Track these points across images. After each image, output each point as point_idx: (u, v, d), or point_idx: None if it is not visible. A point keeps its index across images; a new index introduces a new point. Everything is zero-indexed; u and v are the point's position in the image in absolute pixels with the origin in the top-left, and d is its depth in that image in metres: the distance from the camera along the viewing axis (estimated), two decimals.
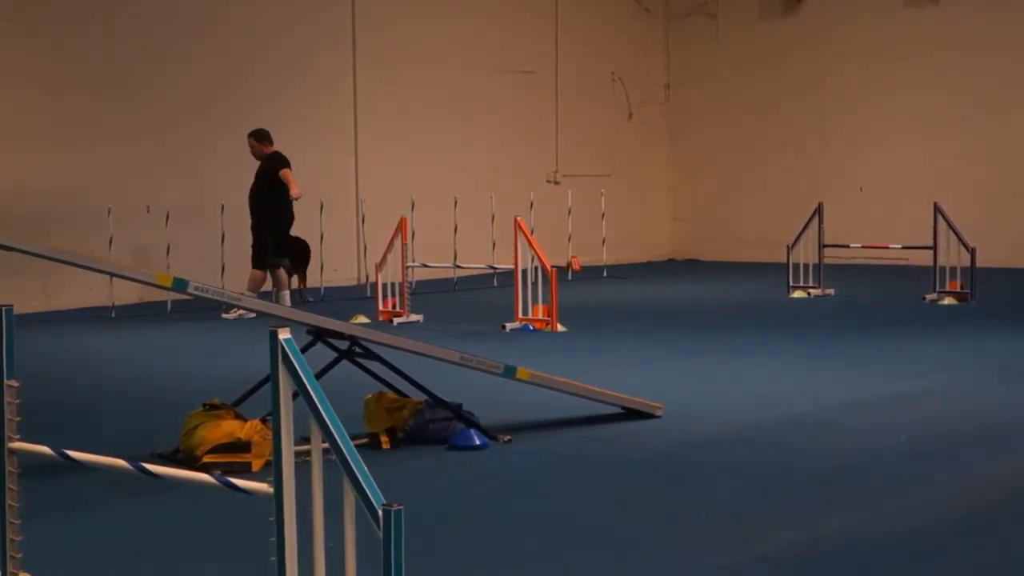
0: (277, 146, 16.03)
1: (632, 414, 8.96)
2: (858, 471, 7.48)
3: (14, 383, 5.07)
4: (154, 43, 17.88)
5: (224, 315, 15.51)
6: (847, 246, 18.57)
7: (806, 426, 8.77)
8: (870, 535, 6.12)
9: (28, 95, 16.83)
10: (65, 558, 5.75)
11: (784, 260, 17.64)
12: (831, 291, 17.40)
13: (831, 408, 9.43)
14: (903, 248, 18.37)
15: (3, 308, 5.06)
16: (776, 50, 23.74)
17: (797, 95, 23.52)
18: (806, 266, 17.51)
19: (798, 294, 17.32)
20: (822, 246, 17.60)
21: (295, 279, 16.95)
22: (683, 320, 15.19)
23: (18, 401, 5.08)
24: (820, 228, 17.58)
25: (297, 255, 16.81)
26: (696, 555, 5.89)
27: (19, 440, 5.10)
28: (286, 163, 15.77)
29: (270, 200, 15.74)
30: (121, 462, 5.00)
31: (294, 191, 15.60)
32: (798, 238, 17.54)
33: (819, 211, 17.65)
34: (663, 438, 8.40)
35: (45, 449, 5.11)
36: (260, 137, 15.95)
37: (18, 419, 5.09)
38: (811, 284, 17.45)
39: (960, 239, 16.36)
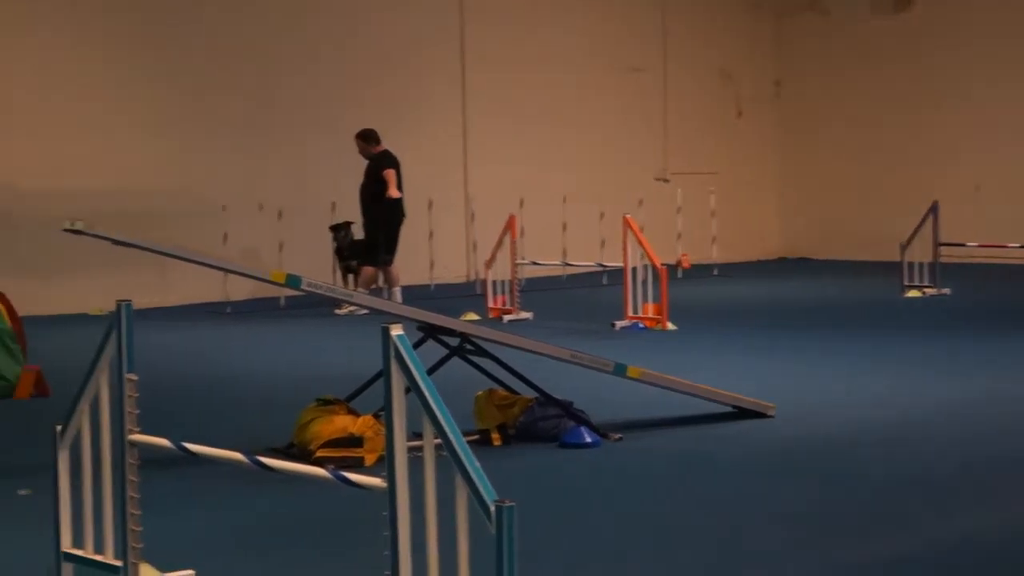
0: (387, 144, 16.12)
1: (744, 413, 8.90)
2: (974, 476, 7.36)
3: (133, 376, 5.15)
4: (265, 44, 18.09)
5: (336, 311, 15.66)
6: (963, 245, 18.26)
7: (921, 428, 8.65)
8: (985, 540, 6.03)
9: (146, 96, 17.12)
10: (183, 549, 5.84)
11: (898, 259, 17.41)
12: (947, 291, 17.11)
13: (946, 410, 9.27)
14: (1022, 247, 18.04)
15: (123, 303, 5.15)
16: (889, 47, 23.40)
17: (910, 92, 23.17)
18: (921, 265, 17.25)
19: (913, 293, 17.07)
20: (937, 244, 17.31)
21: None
22: (794, 319, 15.05)
23: (137, 394, 5.17)
24: (935, 226, 17.30)
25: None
26: (808, 556, 5.84)
27: (139, 432, 5.18)
28: (392, 163, 15.87)
29: (380, 198, 15.85)
30: (237, 455, 5.07)
31: (391, 191, 15.67)
32: (912, 236, 17.28)
33: (934, 209, 17.38)
34: (775, 438, 8.34)
35: (164, 442, 5.19)
36: (367, 138, 16.09)
37: (137, 412, 5.18)
38: (926, 284, 17.19)
39: None
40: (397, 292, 16.02)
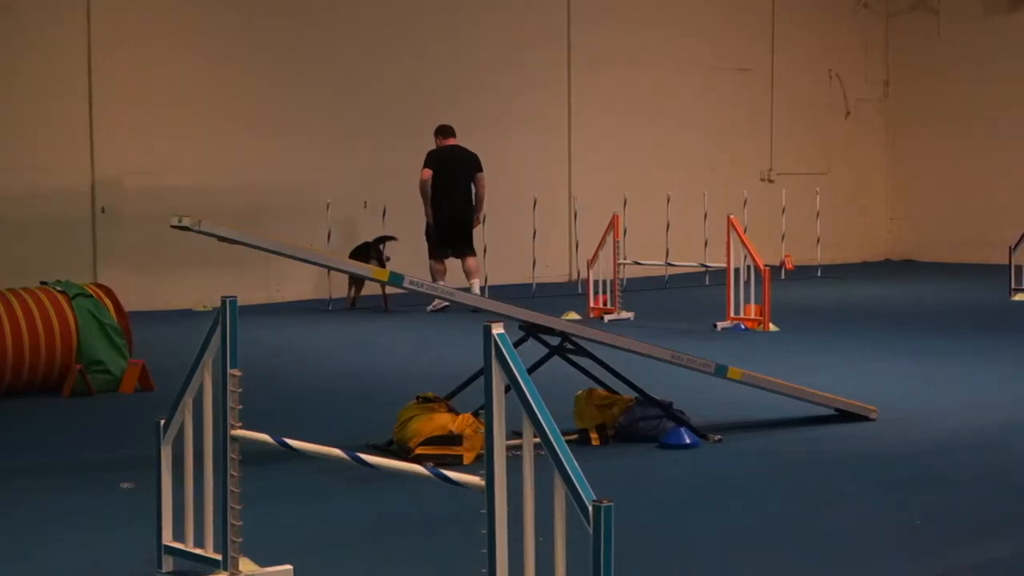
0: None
1: (845, 416, 8.81)
2: None
3: (237, 372, 5.21)
4: (371, 44, 18.20)
5: (427, 309, 15.72)
6: None
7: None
8: None
9: (251, 94, 17.29)
10: (282, 544, 5.88)
11: (1006, 261, 17.12)
12: None
13: None
14: None
15: (227, 299, 5.20)
16: (1002, 47, 23.00)
17: (1022, 93, 22.78)
18: None
19: (1020, 297, 16.78)
20: None
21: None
22: (899, 322, 14.86)
23: (240, 390, 5.22)
24: None
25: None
26: (908, 561, 5.76)
27: (240, 428, 5.23)
28: (425, 161, 15.95)
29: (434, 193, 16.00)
30: (337, 452, 5.10)
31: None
32: (1022, 239, 16.99)
33: None
34: (877, 441, 8.24)
35: (265, 437, 5.24)
36: (435, 133, 16.29)
37: (240, 407, 5.23)
38: None
39: None
40: (475, 284, 16.05)
